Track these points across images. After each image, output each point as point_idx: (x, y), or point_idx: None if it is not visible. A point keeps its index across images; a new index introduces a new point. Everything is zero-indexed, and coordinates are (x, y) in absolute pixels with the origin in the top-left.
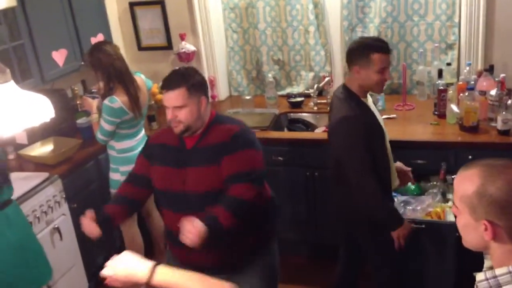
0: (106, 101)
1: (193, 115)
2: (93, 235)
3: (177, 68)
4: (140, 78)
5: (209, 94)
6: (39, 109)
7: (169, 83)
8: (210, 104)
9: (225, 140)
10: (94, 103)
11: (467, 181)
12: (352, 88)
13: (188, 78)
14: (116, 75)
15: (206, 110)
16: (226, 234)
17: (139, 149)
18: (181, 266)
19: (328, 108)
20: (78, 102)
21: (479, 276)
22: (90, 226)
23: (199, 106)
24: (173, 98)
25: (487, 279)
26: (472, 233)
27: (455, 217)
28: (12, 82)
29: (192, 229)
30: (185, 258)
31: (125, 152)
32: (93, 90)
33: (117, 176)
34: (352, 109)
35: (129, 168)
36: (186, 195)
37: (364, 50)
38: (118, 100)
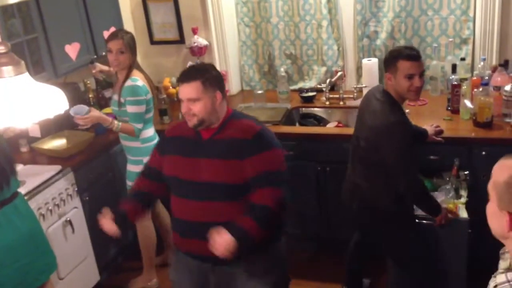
0: (129, 83)
1: (207, 109)
2: (114, 234)
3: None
4: None
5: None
6: (53, 101)
7: (185, 76)
8: (226, 100)
9: (246, 137)
10: (99, 113)
11: (503, 170)
12: (391, 93)
13: (203, 72)
14: (136, 61)
15: (222, 105)
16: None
17: (157, 138)
18: (186, 260)
19: (360, 105)
20: (90, 95)
21: (500, 278)
22: (109, 225)
23: (214, 101)
24: (187, 91)
25: (508, 281)
26: (496, 221)
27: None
28: (26, 74)
29: (221, 242)
30: (190, 249)
31: (149, 141)
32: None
33: (139, 168)
34: (400, 115)
35: None
36: (197, 184)
37: (392, 57)
38: (139, 78)
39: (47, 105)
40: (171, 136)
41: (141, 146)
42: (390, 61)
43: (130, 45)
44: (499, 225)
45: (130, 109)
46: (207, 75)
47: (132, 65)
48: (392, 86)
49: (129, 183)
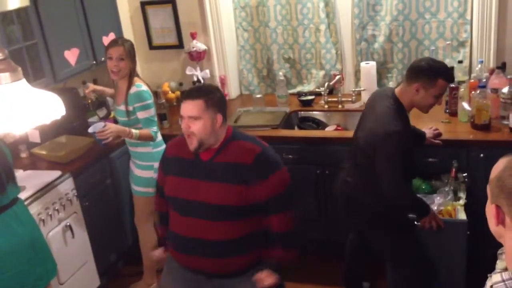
0: (134, 89)
1: (207, 129)
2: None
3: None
4: None
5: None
6: (50, 107)
7: (188, 94)
8: (227, 123)
9: (247, 161)
10: (116, 125)
11: (496, 167)
12: (402, 100)
13: (207, 93)
14: (135, 70)
15: (222, 129)
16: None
17: (165, 144)
18: (181, 269)
19: (366, 105)
20: (89, 101)
21: (495, 277)
22: (161, 255)
23: (214, 122)
24: (189, 108)
25: (503, 281)
26: (490, 217)
27: None
28: (23, 80)
29: (271, 282)
30: (187, 263)
31: (160, 146)
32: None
33: (149, 173)
34: (402, 125)
35: None
36: (198, 204)
37: (434, 73)
38: (142, 83)
39: (44, 111)
40: (171, 157)
41: (152, 151)
42: (430, 75)
43: (130, 53)
44: (491, 220)
45: (141, 115)
46: (210, 95)
47: (132, 74)
48: (414, 96)
49: (136, 188)
